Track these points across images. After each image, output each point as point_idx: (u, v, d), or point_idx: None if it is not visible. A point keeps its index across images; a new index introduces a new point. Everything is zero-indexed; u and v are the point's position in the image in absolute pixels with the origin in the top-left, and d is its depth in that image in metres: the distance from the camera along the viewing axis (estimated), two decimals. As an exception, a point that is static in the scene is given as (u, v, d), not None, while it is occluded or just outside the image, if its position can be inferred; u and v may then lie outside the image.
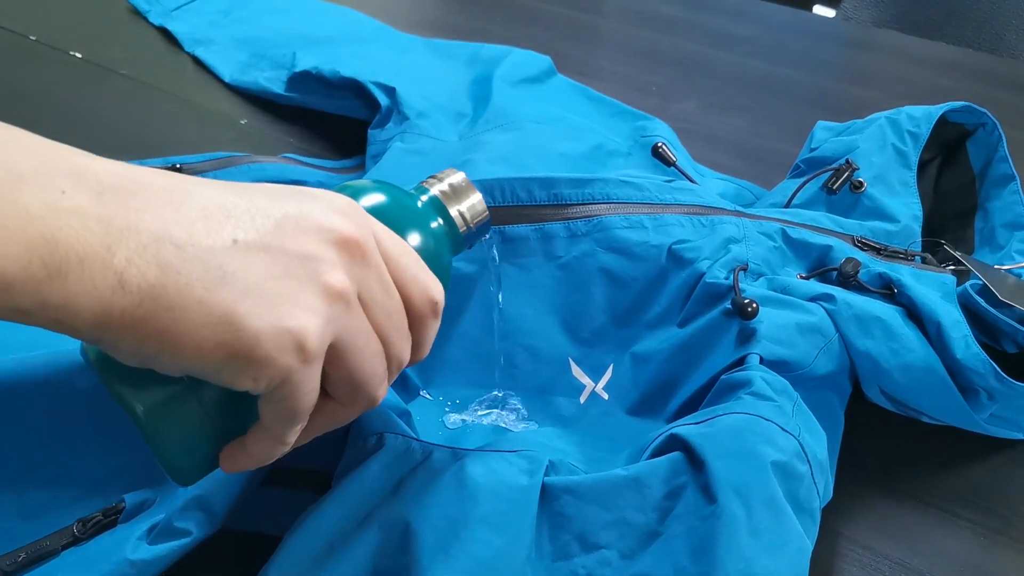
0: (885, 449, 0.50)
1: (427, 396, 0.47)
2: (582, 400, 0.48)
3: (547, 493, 0.36)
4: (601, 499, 0.35)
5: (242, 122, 0.80)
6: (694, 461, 0.36)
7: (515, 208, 0.49)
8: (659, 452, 0.38)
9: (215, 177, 0.66)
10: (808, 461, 0.37)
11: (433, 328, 0.35)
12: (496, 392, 0.49)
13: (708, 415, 0.38)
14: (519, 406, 0.48)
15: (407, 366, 0.35)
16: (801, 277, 0.49)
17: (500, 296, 0.48)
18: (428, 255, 0.36)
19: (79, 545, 0.39)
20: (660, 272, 0.48)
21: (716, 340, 0.44)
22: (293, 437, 0.31)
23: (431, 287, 0.33)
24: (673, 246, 0.48)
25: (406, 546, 0.33)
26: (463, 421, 0.47)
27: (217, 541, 0.39)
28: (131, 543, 0.37)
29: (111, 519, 0.40)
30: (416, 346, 0.35)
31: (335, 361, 0.30)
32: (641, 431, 0.45)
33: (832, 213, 0.53)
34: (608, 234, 0.48)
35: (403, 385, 0.48)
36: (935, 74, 0.93)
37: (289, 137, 0.78)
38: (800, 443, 0.37)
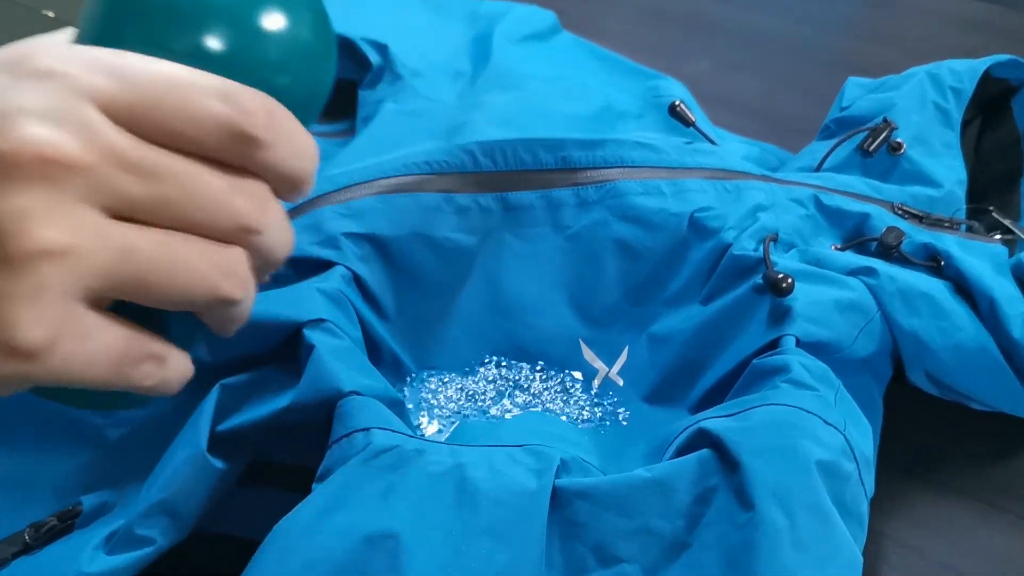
0: (926, 437, 0.46)
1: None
2: (595, 386, 0.44)
3: (558, 497, 0.31)
4: (620, 504, 0.31)
5: (224, 84, 0.75)
6: (727, 460, 0.31)
7: (518, 173, 0.45)
8: (685, 449, 0.33)
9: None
10: (855, 459, 0.33)
11: (287, 133, 0.26)
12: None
13: (741, 406, 0.34)
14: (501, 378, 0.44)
15: (292, 199, 0.27)
16: (836, 248, 0.44)
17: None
18: (234, 43, 0.25)
19: (30, 553, 0.35)
20: (680, 243, 0.44)
21: (745, 319, 0.40)
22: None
23: (223, 107, 0.24)
24: (695, 214, 0.43)
25: (395, 563, 0.29)
26: (446, 422, 0.43)
27: (188, 546, 0.35)
28: (87, 553, 0.33)
29: (67, 524, 0.36)
30: (279, 178, 0.26)
31: (141, 299, 0.24)
32: (660, 421, 0.41)
33: (868, 177, 0.48)
34: (622, 201, 0.44)
35: (395, 369, 0.44)
36: (961, 33, 0.88)
37: (274, 100, 0.73)
38: (846, 438, 0.33)
